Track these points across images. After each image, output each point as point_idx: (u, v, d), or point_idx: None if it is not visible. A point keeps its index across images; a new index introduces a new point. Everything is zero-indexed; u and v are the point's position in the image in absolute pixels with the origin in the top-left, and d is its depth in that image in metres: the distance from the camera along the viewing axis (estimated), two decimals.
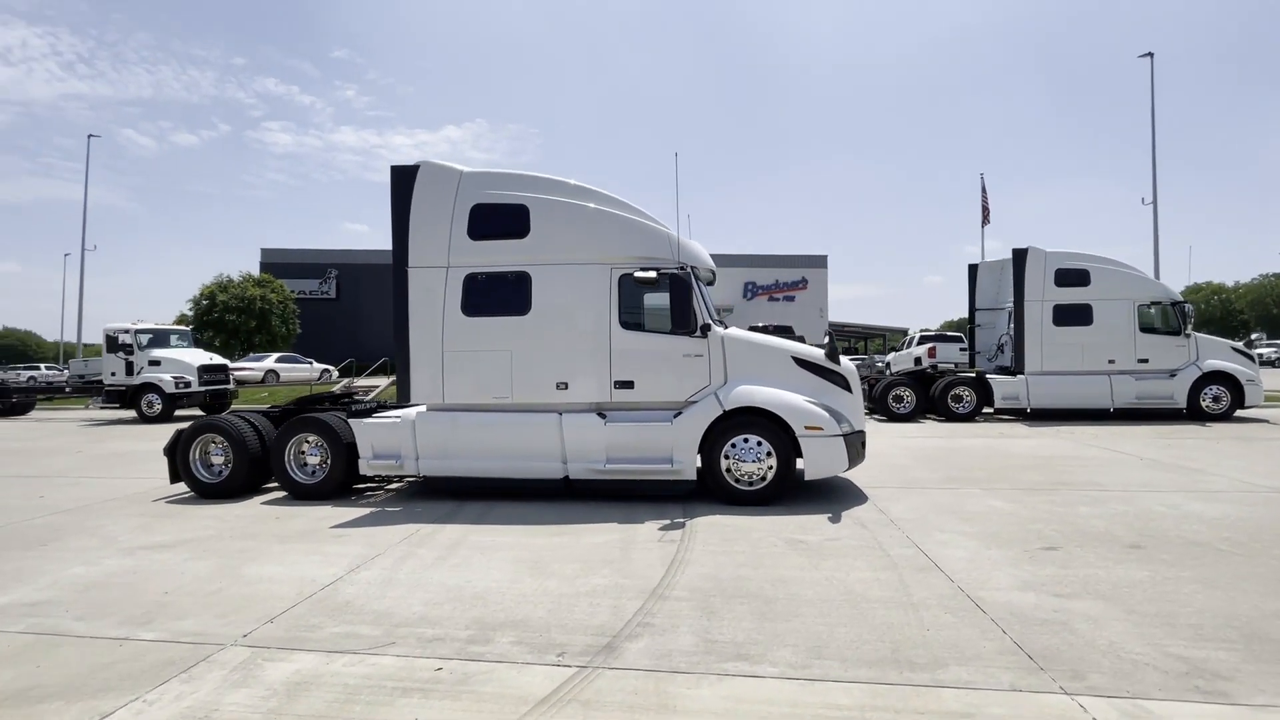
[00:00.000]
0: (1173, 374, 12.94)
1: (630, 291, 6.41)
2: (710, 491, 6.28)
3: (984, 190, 34.63)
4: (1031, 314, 13.14)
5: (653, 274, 6.19)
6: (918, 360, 19.10)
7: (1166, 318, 13.17)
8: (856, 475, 7.52)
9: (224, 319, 33.36)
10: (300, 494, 6.83)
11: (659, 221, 6.55)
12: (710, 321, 6.37)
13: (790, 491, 6.36)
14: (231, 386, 16.71)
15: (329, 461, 6.78)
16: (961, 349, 17.94)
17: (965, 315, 15.85)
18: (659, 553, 4.80)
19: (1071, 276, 13.14)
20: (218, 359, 16.70)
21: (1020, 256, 13.30)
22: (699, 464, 6.28)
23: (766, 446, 6.14)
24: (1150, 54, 24.29)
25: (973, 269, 15.46)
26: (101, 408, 15.76)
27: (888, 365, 23.72)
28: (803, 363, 6.43)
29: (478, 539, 5.26)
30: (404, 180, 6.59)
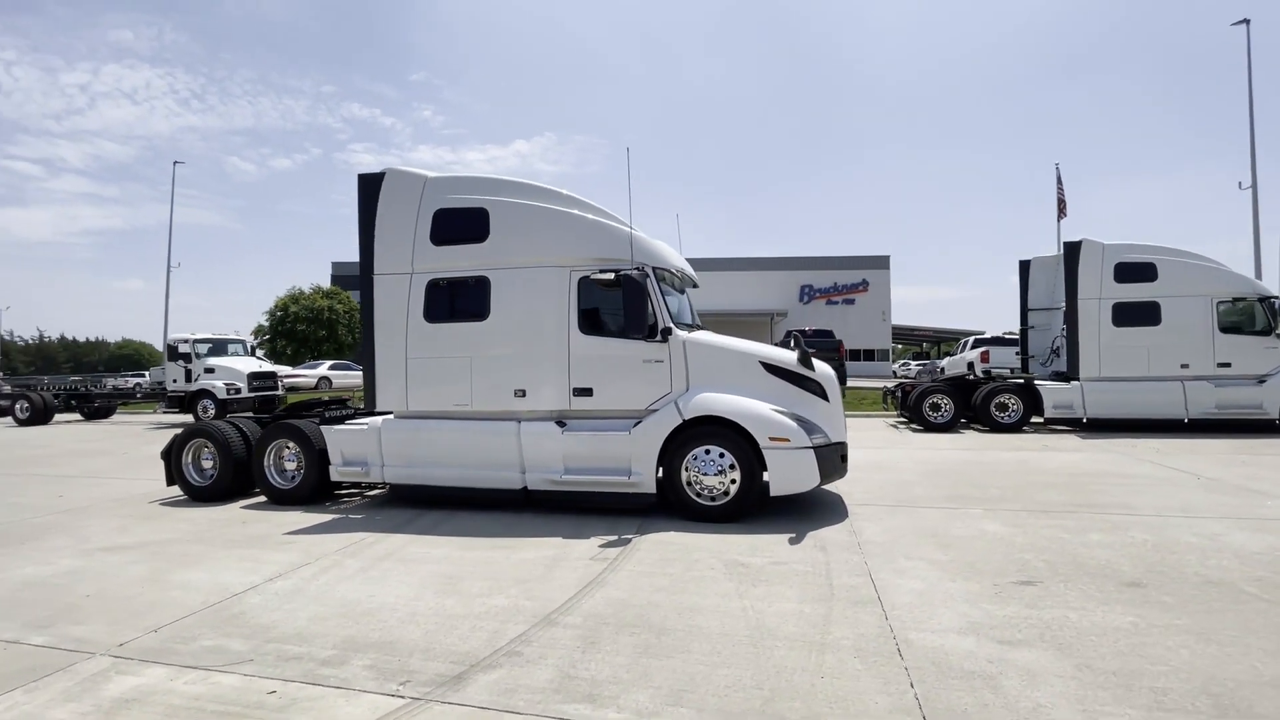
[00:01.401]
0: (1262, 380, 11.35)
1: (589, 295, 6.15)
2: (672, 506, 5.91)
3: (1059, 181, 32.02)
4: (1087, 314, 11.86)
5: (610, 275, 5.92)
6: (970, 365, 17.76)
7: (1253, 316, 11.57)
8: (848, 491, 6.93)
9: (295, 329, 35.58)
10: (278, 499, 6.97)
11: (619, 220, 6.26)
12: (671, 325, 6.01)
13: (761, 508, 5.90)
14: (280, 392, 17.63)
15: (304, 468, 6.88)
16: (1018, 353, 16.52)
17: None
18: (582, 572, 4.50)
19: (1134, 271, 11.77)
20: (267, 366, 17.70)
21: (1073, 250, 12.05)
22: (660, 476, 5.93)
23: (729, 459, 5.71)
24: (1246, 20, 21.68)
25: (1024, 265, 14.18)
26: (164, 412, 17.02)
27: (942, 370, 22.28)
28: (772, 368, 5.95)
29: (412, 550, 5.13)
30: (370, 188, 6.62)
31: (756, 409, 5.69)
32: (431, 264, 6.47)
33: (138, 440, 14.01)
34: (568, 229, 6.19)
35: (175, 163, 29.64)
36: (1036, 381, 12.36)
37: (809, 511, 6.07)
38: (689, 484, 5.79)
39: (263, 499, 7.15)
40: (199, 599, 4.13)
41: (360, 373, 31.19)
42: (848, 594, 3.98)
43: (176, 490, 7.36)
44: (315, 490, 6.87)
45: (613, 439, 5.94)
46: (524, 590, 4.18)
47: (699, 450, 5.78)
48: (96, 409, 18.31)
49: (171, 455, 7.25)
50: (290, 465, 7.01)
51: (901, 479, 7.70)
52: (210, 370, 16.49)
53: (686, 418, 5.77)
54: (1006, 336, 19.26)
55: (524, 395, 6.21)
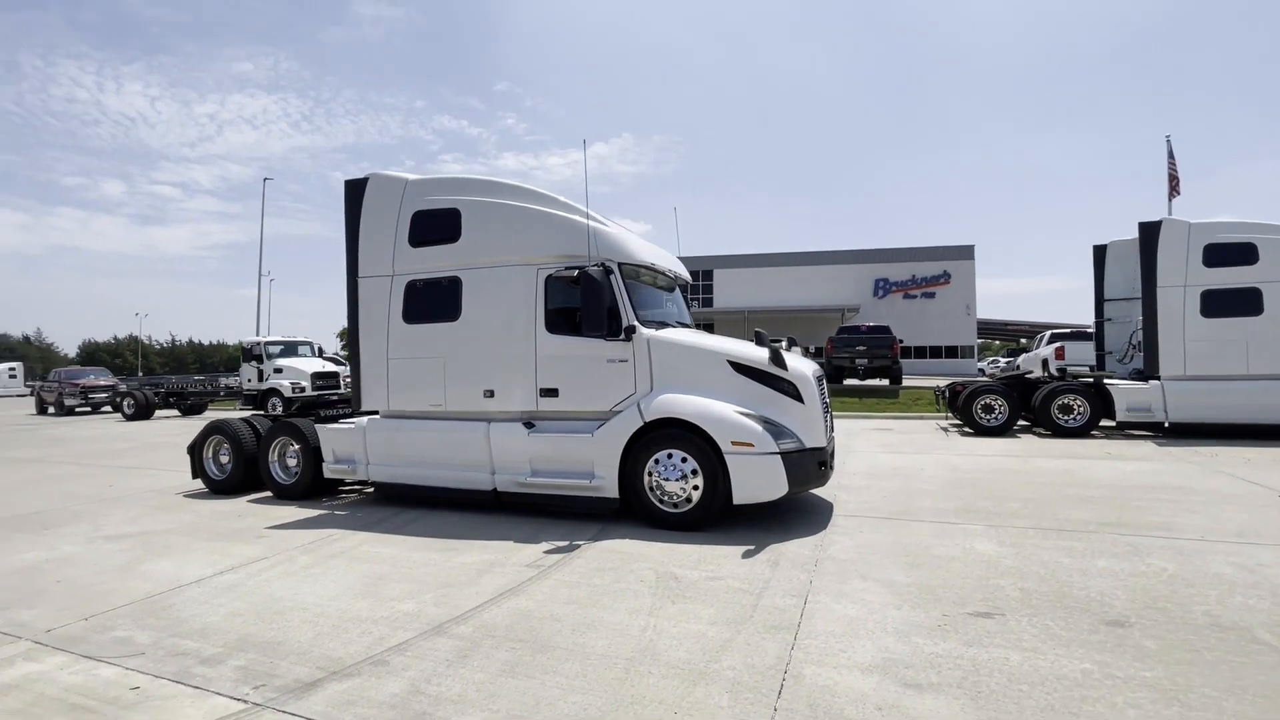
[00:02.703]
0: None
1: (556, 294, 6.00)
2: (636, 512, 5.66)
3: (1171, 155, 28.59)
4: (1169, 303, 10.40)
5: (574, 272, 5.75)
6: (1044, 362, 16.11)
7: None
8: (845, 500, 6.42)
9: None
10: (280, 494, 7.31)
11: (587, 215, 6.05)
12: (635, 323, 5.75)
13: (724, 516, 5.54)
14: (342, 390, 18.74)
15: (302, 465, 7.18)
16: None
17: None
18: (509, 579, 4.37)
19: (1229, 253, 10.21)
20: (330, 366, 18.85)
21: (1151, 231, 10.60)
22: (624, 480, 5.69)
23: (692, 464, 5.39)
24: None
25: (1099, 250, 12.68)
26: (240, 409, 18.51)
27: (1018, 368, 20.47)
28: (741, 368, 5.57)
29: (365, 549, 5.19)
30: (355, 192, 6.80)
31: (719, 411, 5.34)
32: (410, 265, 6.55)
33: None
34: (534, 226, 6.07)
35: (265, 179, 32.27)
36: (1107, 381, 10.99)
37: (786, 521, 5.64)
38: (652, 489, 5.52)
39: (268, 494, 7.53)
40: (146, 589, 4.35)
41: None
42: (768, 617, 3.61)
43: (199, 484, 7.88)
44: (312, 486, 7.14)
45: (576, 441, 5.77)
46: (440, 596, 4.10)
47: (661, 454, 5.50)
48: (190, 406, 20.22)
49: (195, 450, 7.79)
50: (292, 462, 7.35)
51: (915, 487, 7.03)
52: (279, 370, 17.79)
53: (648, 420, 5.51)
54: (1087, 330, 17.28)
55: (492, 396, 6.16)
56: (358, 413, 7.12)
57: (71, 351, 72.63)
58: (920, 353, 46.64)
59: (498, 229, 6.18)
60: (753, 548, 4.91)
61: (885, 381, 18.70)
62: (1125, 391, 10.63)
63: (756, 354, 5.59)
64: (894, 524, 5.54)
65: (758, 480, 5.22)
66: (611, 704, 2.74)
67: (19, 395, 40.73)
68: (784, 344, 21.82)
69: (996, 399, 11.54)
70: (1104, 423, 11.22)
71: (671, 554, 4.81)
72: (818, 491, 6.73)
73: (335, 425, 7.00)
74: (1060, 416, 11.09)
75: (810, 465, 5.43)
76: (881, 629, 3.41)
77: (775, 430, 5.30)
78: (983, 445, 10.35)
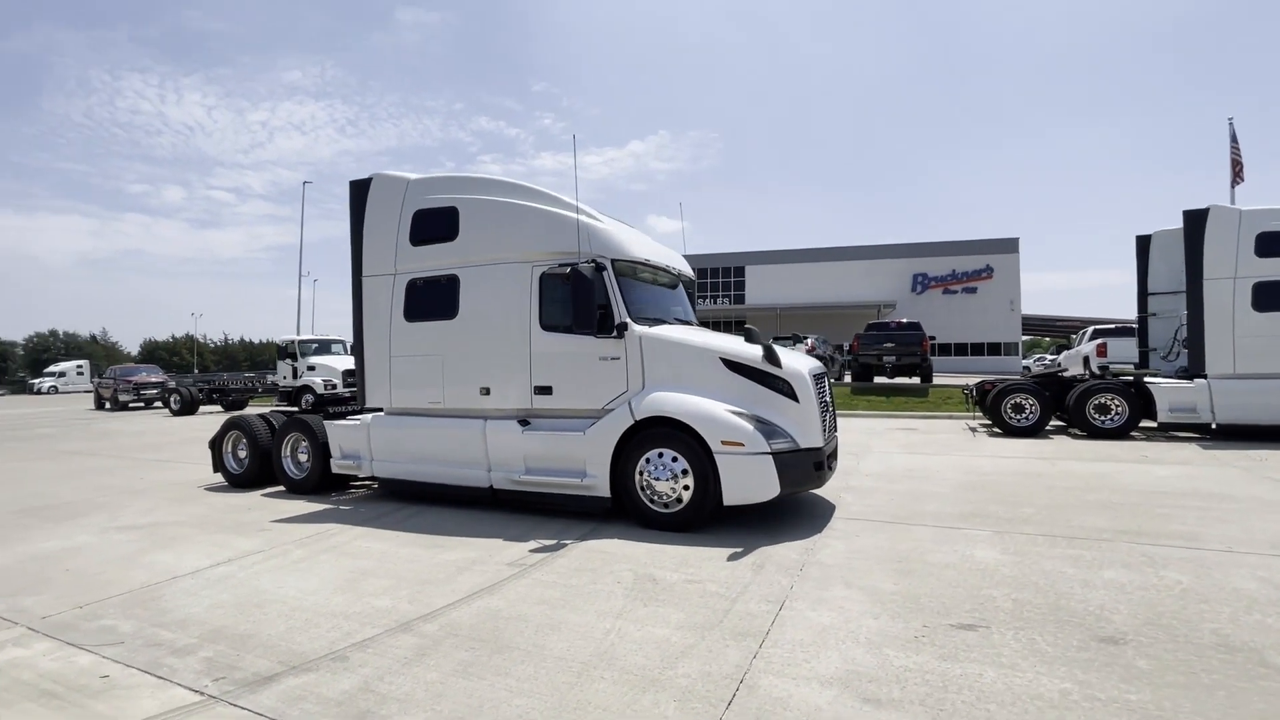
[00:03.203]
0: None
1: (550, 291, 5.96)
2: (628, 512, 5.59)
3: (1234, 140, 26.96)
4: (1217, 296, 9.74)
5: (567, 269, 5.71)
6: (1085, 360, 15.35)
7: None
8: (850, 501, 6.22)
9: None
10: (292, 488, 7.50)
11: (577, 210, 5.99)
12: (627, 320, 5.67)
13: (715, 518, 5.42)
14: None
15: (311, 460, 7.35)
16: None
17: None
18: (488, 577, 4.37)
19: None
20: None
21: (1197, 220, 9.94)
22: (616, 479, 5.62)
23: (682, 464, 5.29)
24: None
25: (1142, 241, 11.98)
26: (277, 405, 19.17)
27: (1060, 366, 19.58)
28: (734, 365, 5.43)
29: (357, 544, 5.27)
30: (360, 193, 6.91)
31: (709, 410, 5.21)
32: (411, 264, 6.62)
33: None
34: (528, 223, 6.05)
35: (304, 183, 33.29)
36: (1147, 379, 10.38)
37: (782, 523, 5.49)
38: (643, 489, 5.44)
39: (281, 488, 7.73)
40: (142, 579, 4.50)
41: None
42: (737, 623, 3.50)
43: (220, 477, 8.16)
44: (321, 481, 7.30)
45: (568, 440, 5.73)
46: (416, 592, 4.12)
47: (652, 453, 5.41)
48: (232, 402, 21.05)
49: (215, 445, 8.06)
50: (303, 457, 7.53)
51: (926, 490, 6.75)
52: (312, 368, 18.34)
53: (638, 418, 5.42)
54: (1132, 326, 16.32)
55: (488, 393, 6.17)
56: (362, 409, 7.24)
57: (134, 350, 76.60)
58: (961, 350, 45.18)
59: (493, 227, 6.19)
60: (740, 550, 4.79)
61: (915, 379, 18.12)
62: (1167, 391, 10.01)
63: (750, 351, 5.44)
64: (894, 528, 5.32)
65: (748, 481, 5.08)
66: (554, 709, 2.68)
67: (85, 391, 43.17)
68: (791, 341, 21.55)
69: (1027, 398, 11.02)
70: (1146, 424, 10.61)
71: (656, 555, 4.73)
72: (823, 493, 6.55)
73: (342, 422, 7.13)
74: (1096, 417, 10.52)
75: (805, 466, 5.26)
76: (853, 639, 3.26)
77: (768, 430, 5.15)
78: (1010, 446, 9.90)
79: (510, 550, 4.99)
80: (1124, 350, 14.59)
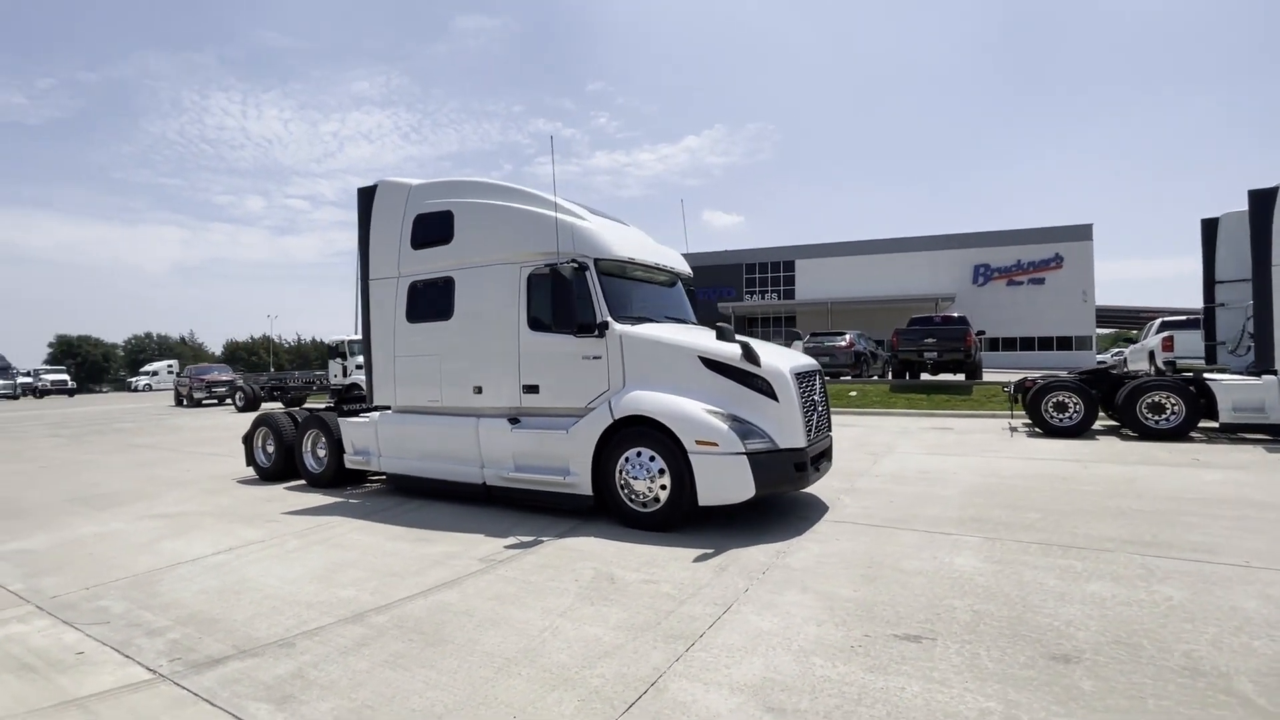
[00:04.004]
0: None
1: (537, 291, 6.04)
2: (610, 510, 5.61)
3: None
4: None
5: (547, 270, 5.78)
6: (1150, 355, 14.23)
7: None
8: (846, 503, 6.05)
9: None
10: (311, 482, 7.92)
11: (555, 208, 6.02)
12: (609, 318, 5.68)
13: (715, 515, 5.36)
14: None
15: (328, 455, 7.73)
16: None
17: None
18: (455, 571, 4.49)
19: None
20: None
21: (1264, 200, 9.03)
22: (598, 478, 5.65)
23: (660, 463, 5.26)
24: None
25: (1208, 225, 10.97)
26: (328, 402, 20.26)
27: (1124, 361, 18.26)
28: (713, 364, 5.35)
29: (349, 537, 5.51)
30: (366, 199, 7.20)
31: (684, 408, 5.16)
32: (413, 267, 6.85)
33: None
34: (515, 225, 6.15)
35: (359, 189, 34.76)
36: (1208, 376, 9.52)
37: (765, 523, 5.37)
38: (623, 488, 5.45)
39: (304, 481, 8.16)
40: (149, 564, 4.86)
41: None
42: (676, 625, 3.46)
43: (254, 470, 8.69)
44: (337, 475, 7.67)
45: (553, 438, 5.81)
46: (382, 584, 4.28)
47: (631, 452, 5.41)
48: (291, 399, 22.35)
49: (248, 440, 8.59)
50: (322, 452, 7.92)
51: (934, 493, 6.45)
52: (360, 366, 19.24)
53: (617, 417, 5.43)
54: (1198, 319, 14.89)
55: (480, 392, 6.32)
56: (371, 408, 7.55)
57: (218, 350, 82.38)
58: (1027, 344, 42.77)
59: (485, 229, 6.33)
60: (711, 551, 4.72)
61: (960, 377, 17.25)
62: (1230, 388, 9.15)
63: (728, 349, 5.35)
64: (880, 532, 5.12)
65: (723, 481, 5.00)
66: (460, 703, 2.74)
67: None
68: (804, 339, 20.87)
69: (1070, 396, 10.32)
70: (1208, 424, 9.74)
71: (624, 554, 4.73)
72: (822, 495, 6.38)
73: (354, 419, 7.47)
74: (1149, 417, 9.73)
75: (783, 467, 5.13)
76: (784, 646, 3.17)
77: (744, 429, 5.06)
78: (1046, 448, 9.31)
79: (486, 545, 5.10)
80: (1193, 344, 13.40)
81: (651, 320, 6.11)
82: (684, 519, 5.25)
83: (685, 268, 7.19)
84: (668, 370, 5.48)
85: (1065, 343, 42.41)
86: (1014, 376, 13.28)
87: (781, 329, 43.37)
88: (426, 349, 6.73)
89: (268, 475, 8.36)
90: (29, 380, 41.22)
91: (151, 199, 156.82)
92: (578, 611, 3.70)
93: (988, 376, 18.03)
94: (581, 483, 5.63)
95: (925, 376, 17.88)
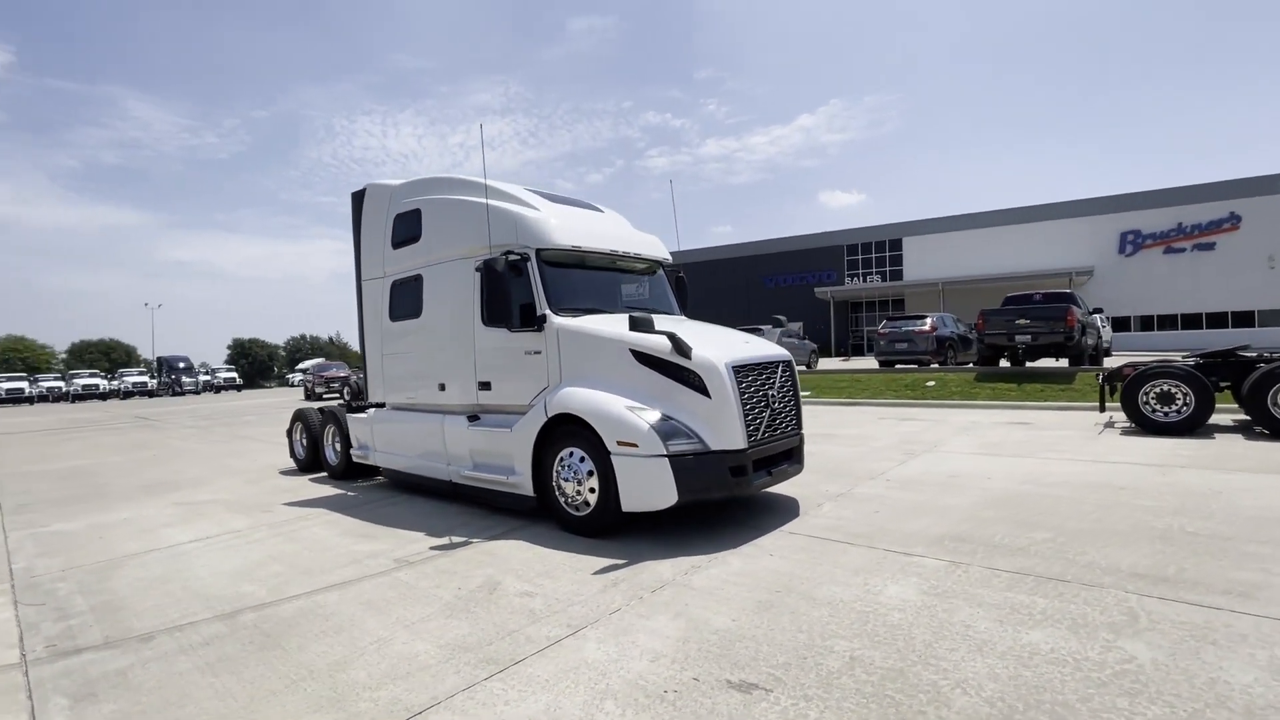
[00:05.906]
0: None
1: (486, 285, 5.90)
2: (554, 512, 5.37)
3: None
4: None
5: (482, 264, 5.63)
6: None
7: None
8: (828, 510, 5.36)
9: None
10: (330, 474, 8.42)
11: (517, 199, 5.82)
12: (547, 311, 5.41)
13: (667, 519, 4.97)
14: None
15: (341, 449, 8.17)
16: None
17: None
18: (364, 571, 4.51)
19: None
20: None
21: None
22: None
23: (589, 464, 4.94)
24: None
25: None
26: None
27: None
28: (643, 357, 4.91)
29: (306, 531, 5.71)
30: (357, 203, 7.47)
31: (608, 406, 4.79)
32: (393, 266, 7.01)
33: None
34: (469, 218, 6.04)
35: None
36: None
37: (716, 531, 4.89)
38: (557, 490, 5.19)
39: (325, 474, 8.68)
40: (130, 550, 5.35)
41: None
42: (503, 648, 3.19)
43: (292, 463, 9.41)
44: (348, 468, 8.08)
45: (499, 436, 5.67)
46: (287, 581, 4.37)
47: (564, 452, 5.13)
48: (357, 393, 24.27)
49: (289, 434, 9.32)
50: (338, 446, 8.39)
51: (939, 503, 5.53)
52: None
53: (550, 415, 5.17)
54: None
55: (444, 389, 6.33)
56: (368, 404, 7.86)
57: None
58: (1190, 322, 36.46)
59: (445, 224, 6.30)
60: (623, 562, 4.35)
61: (1063, 362, 14.88)
62: None
63: (657, 341, 4.88)
64: (829, 548, 4.44)
65: (643, 485, 4.59)
66: (222, 717, 2.66)
67: None
68: (785, 326, 18.59)
69: (1178, 386, 8.47)
70: None
71: (532, 562, 4.49)
72: (805, 499, 5.73)
73: (358, 415, 7.81)
74: None
75: (715, 471, 4.60)
76: (591, 684, 2.78)
77: (669, 429, 4.60)
78: (1131, 449, 7.72)
79: (415, 545, 5.08)
80: None
81: (605, 312, 5.76)
82: (612, 526, 4.88)
83: (662, 254, 6.72)
84: (601, 364, 5.12)
85: (1245, 319, 35.53)
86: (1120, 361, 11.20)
87: (889, 313, 40.27)
88: (403, 347, 6.86)
89: (303, 467, 9.01)
90: (207, 378, 48.23)
91: (311, 216, 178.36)
92: (428, 624, 3.52)
93: (1117, 361, 15.42)
94: (523, 483, 5.44)
95: (1025, 364, 15.66)
